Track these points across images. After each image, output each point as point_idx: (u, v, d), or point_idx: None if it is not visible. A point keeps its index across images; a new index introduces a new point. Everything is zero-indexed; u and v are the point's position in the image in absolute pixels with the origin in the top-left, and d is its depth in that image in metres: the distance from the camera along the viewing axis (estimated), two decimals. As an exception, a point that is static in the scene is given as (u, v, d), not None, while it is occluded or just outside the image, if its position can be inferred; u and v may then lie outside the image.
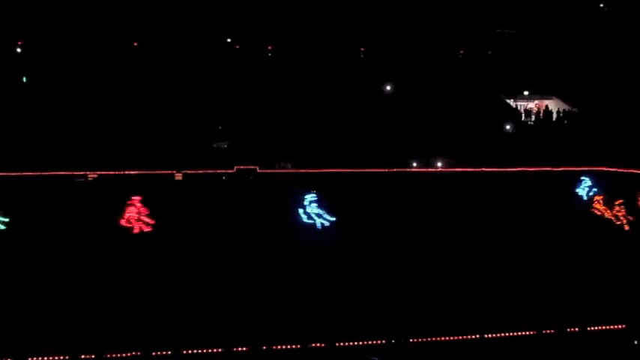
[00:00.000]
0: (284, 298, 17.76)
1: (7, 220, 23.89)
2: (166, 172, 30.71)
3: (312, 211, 25.74)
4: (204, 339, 16.04)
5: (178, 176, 31.14)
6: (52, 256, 22.22)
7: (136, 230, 25.30)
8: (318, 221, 25.34)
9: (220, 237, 23.96)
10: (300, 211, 26.05)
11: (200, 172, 31.60)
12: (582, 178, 27.70)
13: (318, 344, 14.14)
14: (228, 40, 46.70)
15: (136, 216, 25.32)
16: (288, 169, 34.34)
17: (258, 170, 32.86)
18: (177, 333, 16.48)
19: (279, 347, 13.85)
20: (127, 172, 29.65)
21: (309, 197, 26.65)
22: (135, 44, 42.80)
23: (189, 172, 31.16)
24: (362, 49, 50.40)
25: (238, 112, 39.51)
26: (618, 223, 24.79)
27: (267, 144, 36.41)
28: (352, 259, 21.14)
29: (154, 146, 34.49)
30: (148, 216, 25.09)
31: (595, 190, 29.45)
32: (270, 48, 47.49)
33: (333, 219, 25.35)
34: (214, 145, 37.33)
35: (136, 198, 25.67)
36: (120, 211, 24.79)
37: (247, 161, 32.68)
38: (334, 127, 39.29)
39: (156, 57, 42.06)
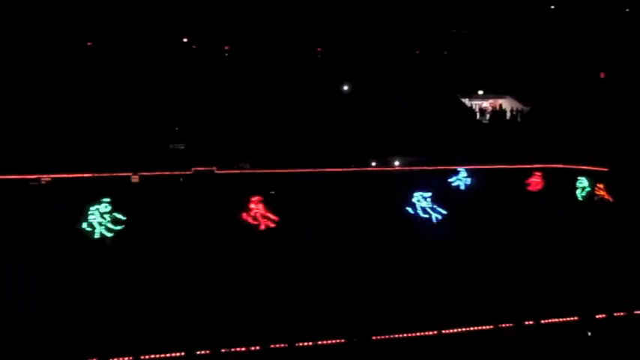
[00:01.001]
0: (242, 298, 17.65)
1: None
2: (123, 174, 30.28)
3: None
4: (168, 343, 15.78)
5: (135, 178, 30.69)
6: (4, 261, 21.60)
7: (262, 227, 25.27)
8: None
9: (181, 239, 23.67)
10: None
11: (157, 174, 31.24)
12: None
13: (278, 345, 14.12)
14: (185, 39, 46.26)
15: (260, 212, 25.57)
16: (247, 169, 34.11)
17: (216, 171, 32.64)
18: (147, 338, 16.10)
19: (238, 350, 13.76)
20: (82, 175, 29.15)
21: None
22: (88, 44, 42.05)
23: (145, 174, 30.77)
24: (319, 49, 50.56)
25: (196, 113, 39.24)
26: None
27: (225, 144, 36.16)
28: (305, 259, 21.05)
29: (108, 148, 33.90)
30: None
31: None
32: (227, 48, 47.26)
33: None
34: (171, 147, 36.84)
35: (256, 198, 25.86)
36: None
37: (205, 162, 32.50)
38: (292, 127, 39.26)
39: (110, 57, 41.37)
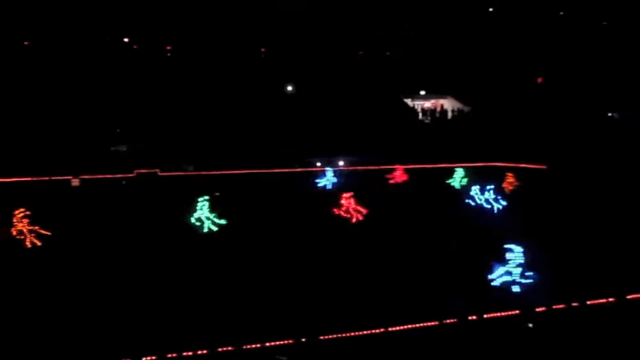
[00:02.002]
0: (186, 301, 17.35)
1: None
2: (62, 177, 29.52)
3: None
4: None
5: (75, 182, 29.93)
6: None
7: (354, 220, 25.46)
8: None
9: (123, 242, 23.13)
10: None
11: (99, 177, 30.56)
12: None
13: (226, 348, 13.98)
14: (125, 39, 45.40)
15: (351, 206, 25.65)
16: (190, 171, 33.68)
17: (159, 173, 32.15)
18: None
19: (185, 354, 13.52)
20: (17, 180, 28.31)
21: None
22: (25, 43, 40.81)
23: (86, 177, 30.07)
24: (262, 49, 50.45)
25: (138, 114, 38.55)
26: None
27: (168, 146, 35.65)
28: (250, 260, 20.84)
29: (46, 151, 32.89)
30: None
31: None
32: (169, 48, 46.63)
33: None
34: (112, 149, 36.03)
35: (348, 194, 25.82)
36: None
37: (148, 164, 32.01)
38: (235, 128, 39.01)
39: (48, 57, 40.28)
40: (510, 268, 17.43)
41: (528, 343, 14.36)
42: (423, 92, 52.71)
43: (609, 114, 52.38)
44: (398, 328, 14.68)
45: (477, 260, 19.57)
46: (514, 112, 47.21)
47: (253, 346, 14.01)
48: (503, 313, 15.13)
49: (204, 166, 33.30)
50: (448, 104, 52.52)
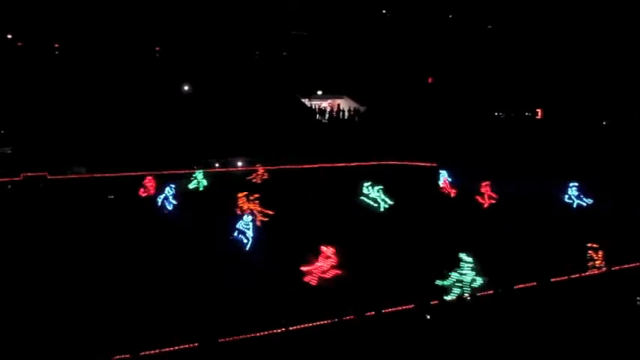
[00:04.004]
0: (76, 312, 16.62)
1: None
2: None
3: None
4: None
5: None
6: None
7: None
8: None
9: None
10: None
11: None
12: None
13: (121, 356, 13.57)
14: (9, 36, 43.10)
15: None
16: (82, 173, 32.44)
17: (48, 176, 30.79)
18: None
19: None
20: None
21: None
22: None
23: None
24: (157, 48, 49.38)
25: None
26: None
27: (57, 148, 34.14)
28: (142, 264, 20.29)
29: None
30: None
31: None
32: (57, 46, 44.70)
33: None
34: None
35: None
36: None
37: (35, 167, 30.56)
38: (128, 129, 37.98)
39: None
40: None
41: (430, 334, 14.92)
42: (319, 92, 53.47)
43: (496, 114, 55.50)
44: (297, 327, 14.82)
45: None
46: (406, 111, 48.90)
47: (150, 352, 13.70)
48: (399, 308, 15.65)
49: (97, 168, 32.21)
50: (344, 104, 53.59)
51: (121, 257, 20.26)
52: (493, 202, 28.06)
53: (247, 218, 21.90)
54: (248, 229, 21.60)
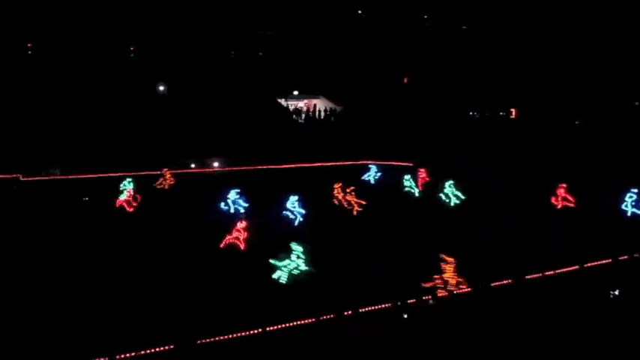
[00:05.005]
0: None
1: None
2: None
3: None
4: None
5: None
6: None
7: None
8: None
9: None
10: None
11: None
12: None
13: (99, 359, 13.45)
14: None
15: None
16: (56, 175, 32.08)
17: (21, 178, 30.41)
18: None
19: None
20: None
21: None
22: None
23: None
24: (131, 47, 48.97)
25: None
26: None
27: (31, 149, 33.69)
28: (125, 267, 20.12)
29: None
30: None
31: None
32: (30, 45, 44.16)
33: None
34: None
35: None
36: None
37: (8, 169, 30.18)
38: (103, 130, 37.65)
39: None
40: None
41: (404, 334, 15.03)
42: (296, 92, 53.52)
43: (471, 113, 56.16)
44: (275, 327, 14.84)
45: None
46: (382, 111, 49.20)
47: (125, 355, 13.61)
48: (377, 307, 15.75)
49: (72, 170, 31.86)
50: (321, 104, 53.72)
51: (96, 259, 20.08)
52: (567, 204, 26.74)
53: (293, 198, 24.34)
54: (294, 208, 24.22)
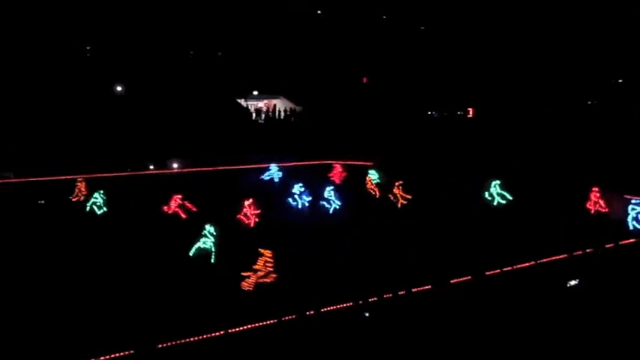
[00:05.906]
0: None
1: None
2: None
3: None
4: None
5: None
6: None
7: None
8: None
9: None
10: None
11: None
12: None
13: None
14: None
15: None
16: (10, 178, 31.24)
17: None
18: None
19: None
20: None
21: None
22: None
23: None
24: (88, 47, 48.19)
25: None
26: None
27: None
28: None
29: None
30: None
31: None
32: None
33: None
34: None
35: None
36: None
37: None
38: (60, 131, 36.90)
39: None
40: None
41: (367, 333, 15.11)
42: (255, 92, 53.38)
43: (429, 113, 56.84)
44: (238, 329, 14.79)
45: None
46: (342, 110, 49.41)
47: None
48: (338, 306, 15.81)
49: (26, 173, 31.06)
50: (280, 104, 53.70)
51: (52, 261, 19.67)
52: (600, 209, 26.22)
53: (329, 188, 26.22)
54: (331, 197, 26.05)
